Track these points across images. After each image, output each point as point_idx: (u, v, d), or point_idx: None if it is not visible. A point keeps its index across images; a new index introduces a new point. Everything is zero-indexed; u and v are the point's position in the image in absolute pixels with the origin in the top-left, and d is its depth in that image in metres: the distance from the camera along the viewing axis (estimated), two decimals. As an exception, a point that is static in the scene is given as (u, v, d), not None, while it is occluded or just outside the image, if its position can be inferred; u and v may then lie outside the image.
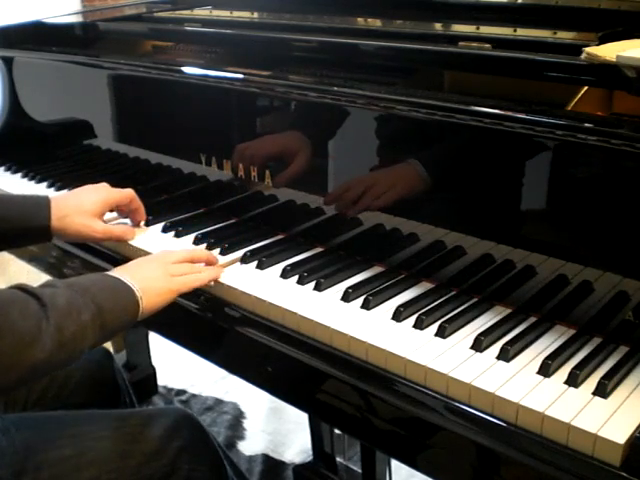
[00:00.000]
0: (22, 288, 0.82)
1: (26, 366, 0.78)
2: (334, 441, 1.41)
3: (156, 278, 0.94)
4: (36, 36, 1.53)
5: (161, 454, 0.96)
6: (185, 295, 1.03)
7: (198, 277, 0.98)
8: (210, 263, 1.02)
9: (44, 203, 1.07)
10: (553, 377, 0.76)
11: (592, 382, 0.74)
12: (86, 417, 1.01)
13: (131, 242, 1.13)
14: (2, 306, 0.77)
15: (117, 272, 0.93)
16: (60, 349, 0.80)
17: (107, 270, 0.95)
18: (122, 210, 1.17)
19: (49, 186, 1.40)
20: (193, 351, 1.07)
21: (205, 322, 1.02)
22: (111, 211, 1.16)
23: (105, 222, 1.12)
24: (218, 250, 1.08)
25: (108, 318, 0.86)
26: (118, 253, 1.16)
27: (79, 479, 0.93)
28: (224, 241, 1.09)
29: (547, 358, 0.77)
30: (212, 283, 1.00)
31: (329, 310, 0.91)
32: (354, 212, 1.02)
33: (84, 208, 1.08)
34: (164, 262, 0.97)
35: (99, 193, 1.11)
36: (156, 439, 0.97)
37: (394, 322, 0.88)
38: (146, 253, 1.10)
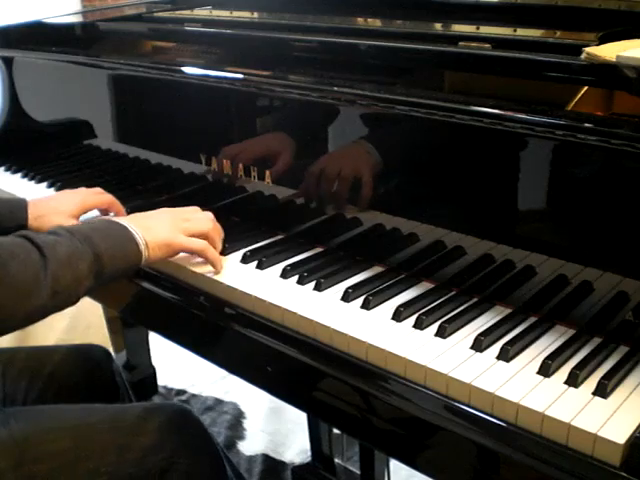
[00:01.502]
0: (27, 237, 0.86)
1: (22, 314, 0.83)
2: (332, 442, 1.41)
3: (161, 230, 0.97)
4: (36, 36, 1.53)
5: (159, 448, 0.96)
6: (185, 295, 1.03)
7: (205, 244, 1.00)
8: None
9: (22, 205, 1.11)
10: (553, 377, 0.76)
11: (592, 382, 0.74)
12: (85, 410, 1.01)
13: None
14: (5, 259, 0.81)
15: (125, 219, 0.97)
16: (55, 297, 0.84)
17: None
18: (103, 211, 1.20)
19: (49, 186, 1.40)
20: (193, 351, 1.07)
21: (205, 322, 1.02)
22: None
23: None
24: (218, 250, 1.08)
25: (106, 265, 0.89)
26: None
27: (77, 471, 0.93)
28: (224, 241, 1.09)
29: (547, 358, 0.77)
30: (206, 271, 1.01)
31: (329, 310, 0.91)
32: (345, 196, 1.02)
33: (60, 209, 1.11)
34: (178, 216, 1.01)
35: (76, 196, 1.15)
36: (154, 433, 0.97)
37: (394, 322, 0.88)
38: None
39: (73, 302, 0.88)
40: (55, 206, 1.12)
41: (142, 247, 0.93)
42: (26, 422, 0.95)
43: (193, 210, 1.05)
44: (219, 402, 2.02)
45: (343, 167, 1.02)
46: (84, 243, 0.88)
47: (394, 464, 1.28)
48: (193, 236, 1.00)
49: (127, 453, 0.95)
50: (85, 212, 1.15)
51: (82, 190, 1.18)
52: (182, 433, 0.99)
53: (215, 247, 1.02)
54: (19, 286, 0.81)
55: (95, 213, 1.19)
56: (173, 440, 0.97)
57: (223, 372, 1.69)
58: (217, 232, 1.03)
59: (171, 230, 0.98)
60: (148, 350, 1.89)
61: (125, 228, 0.94)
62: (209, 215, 1.05)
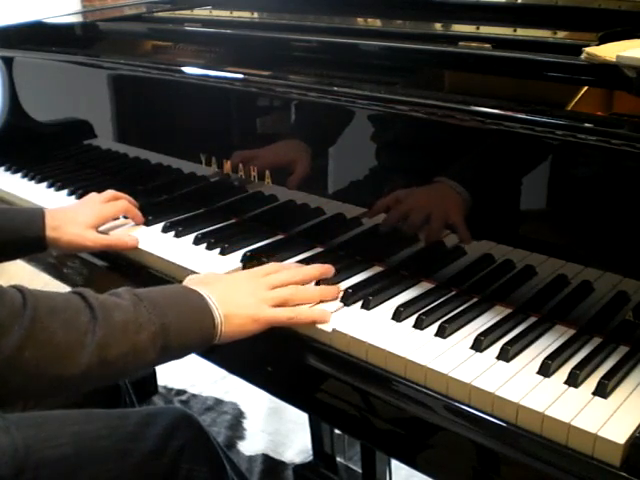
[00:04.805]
0: (83, 295, 0.78)
1: (54, 379, 0.74)
2: (334, 441, 1.41)
3: (245, 305, 0.86)
4: (36, 36, 1.53)
5: (161, 453, 0.96)
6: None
7: (296, 313, 0.88)
8: (325, 276, 0.95)
9: (39, 214, 1.09)
10: (553, 377, 0.76)
11: (592, 382, 0.74)
12: (86, 416, 1.01)
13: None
14: (44, 314, 0.73)
15: (205, 287, 0.87)
16: (102, 366, 0.75)
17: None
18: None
19: (49, 186, 1.40)
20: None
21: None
22: None
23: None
24: (218, 250, 1.08)
25: (174, 340, 0.80)
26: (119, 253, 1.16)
27: (79, 478, 0.93)
28: (224, 241, 1.09)
29: (547, 358, 0.77)
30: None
31: (329, 310, 0.90)
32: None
33: (78, 219, 1.10)
34: (261, 285, 0.90)
35: (93, 208, 1.14)
36: (156, 438, 0.97)
37: (394, 322, 0.88)
38: (146, 253, 1.10)
39: (129, 374, 0.81)
40: (73, 217, 1.10)
41: (217, 321, 0.83)
42: (27, 429, 0.95)
43: (273, 268, 0.95)
44: (219, 402, 2.02)
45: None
46: (151, 311, 0.79)
47: (396, 463, 1.28)
48: (280, 305, 0.89)
49: (129, 459, 0.95)
50: (103, 223, 1.14)
51: (97, 198, 1.16)
52: (183, 438, 0.98)
53: (314, 279, 0.94)
54: (57, 344, 0.72)
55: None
56: (174, 445, 0.97)
57: (223, 372, 1.69)
58: (308, 271, 0.94)
59: (256, 302, 0.87)
60: (148, 350, 1.89)
61: (203, 298, 0.84)
62: (292, 272, 0.94)
